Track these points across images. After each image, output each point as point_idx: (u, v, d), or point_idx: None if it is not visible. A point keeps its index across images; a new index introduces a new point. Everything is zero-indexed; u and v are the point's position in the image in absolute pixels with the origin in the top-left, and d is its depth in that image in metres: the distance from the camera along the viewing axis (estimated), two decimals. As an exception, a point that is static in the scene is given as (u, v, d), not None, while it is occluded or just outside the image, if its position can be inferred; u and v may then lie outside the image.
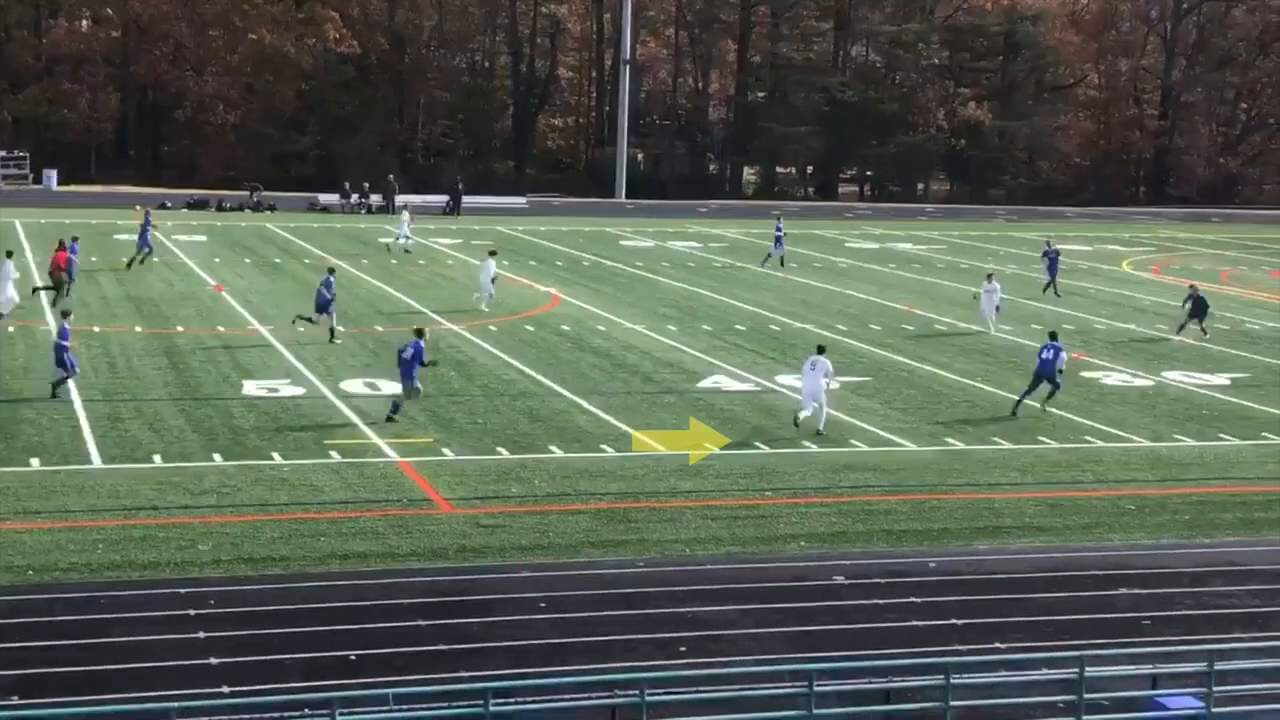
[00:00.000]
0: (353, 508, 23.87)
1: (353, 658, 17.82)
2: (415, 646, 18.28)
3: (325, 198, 78.46)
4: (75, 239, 46.48)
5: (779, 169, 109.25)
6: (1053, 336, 33.54)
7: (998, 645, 18.82)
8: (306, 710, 13.76)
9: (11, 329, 37.96)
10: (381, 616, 19.23)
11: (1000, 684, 15.10)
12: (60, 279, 42.20)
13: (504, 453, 27.49)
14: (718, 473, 26.76)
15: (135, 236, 52.10)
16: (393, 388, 31.97)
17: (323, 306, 38.28)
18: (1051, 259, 51.61)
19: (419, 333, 30.91)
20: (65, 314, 32.42)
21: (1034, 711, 14.97)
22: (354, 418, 29.79)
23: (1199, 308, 42.63)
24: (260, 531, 22.41)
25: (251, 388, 31.84)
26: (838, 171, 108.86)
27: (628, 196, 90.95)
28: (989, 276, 44.40)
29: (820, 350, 31.12)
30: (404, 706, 13.80)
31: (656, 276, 53.45)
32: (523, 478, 25.92)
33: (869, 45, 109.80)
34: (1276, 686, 15.49)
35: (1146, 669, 15.66)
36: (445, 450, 27.48)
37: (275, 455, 26.70)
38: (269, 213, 73.25)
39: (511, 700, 13.89)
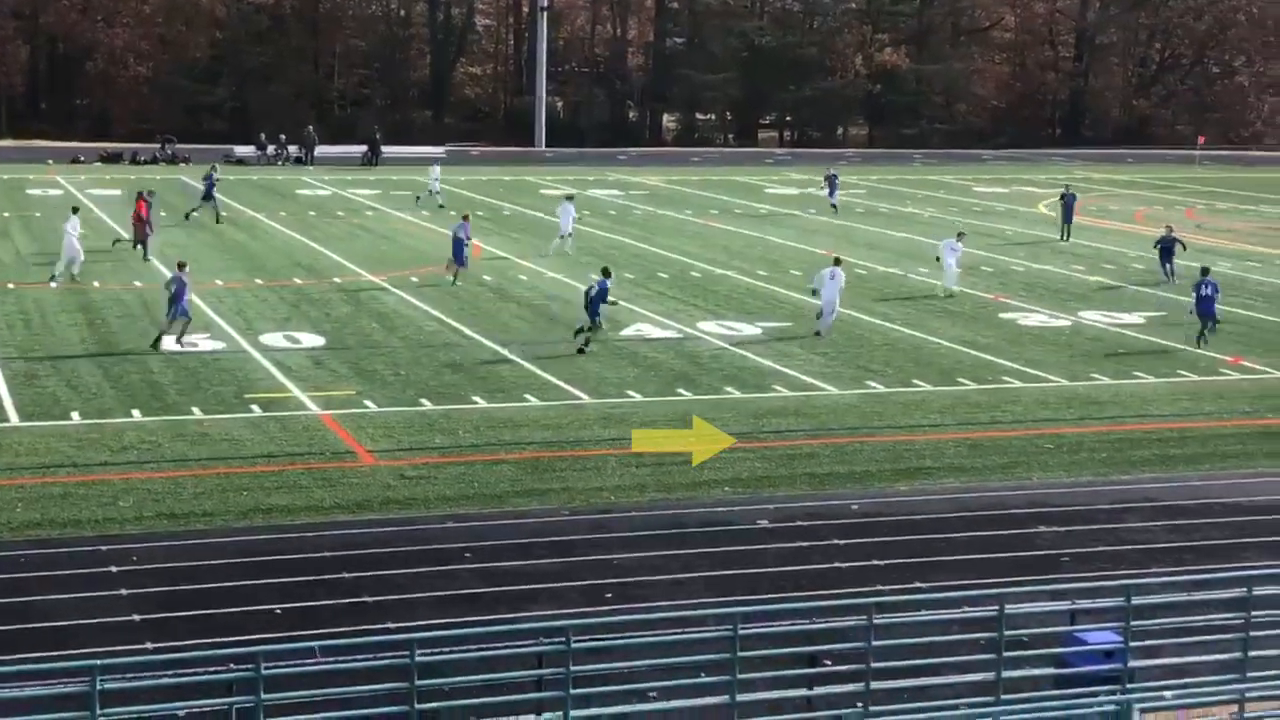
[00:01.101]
0: (275, 461, 23.70)
1: (278, 611, 17.74)
2: (341, 599, 18.22)
3: (241, 150, 77.50)
4: (151, 192, 45.52)
5: (698, 115, 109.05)
6: (1205, 272, 34.85)
7: (919, 585, 19.02)
8: (231, 665, 13.68)
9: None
10: (306, 569, 19.15)
11: (922, 623, 15.25)
12: (142, 230, 42.59)
13: (427, 404, 27.38)
14: (642, 419, 26.79)
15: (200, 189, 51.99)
16: (313, 340, 31.83)
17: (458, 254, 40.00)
18: (1068, 202, 51.60)
19: (605, 272, 33.28)
20: (181, 265, 32.37)
21: (956, 650, 15.15)
22: (274, 371, 29.54)
23: (1167, 253, 42.45)
24: (182, 487, 22.21)
25: (170, 343, 31.48)
26: (757, 117, 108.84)
27: (547, 145, 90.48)
28: (959, 235, 42.57)
29: (837, 262, 35.34)
30: (329, 659, 13.75)
31: (579, 226, 53.21)
32: (446, 429, 25.84)
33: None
34: (1192, 619, 15.75)
35: (1065, 605, 15.87)
36: (368, 402, 27.33)
37: (195, 410, 26.44)
38: (183, 165, 72.25)
39: (437, 650, 13.87)
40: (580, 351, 31.67)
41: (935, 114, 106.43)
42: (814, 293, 35.95)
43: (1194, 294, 34.55)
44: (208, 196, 51.28)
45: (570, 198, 48.69)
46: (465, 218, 42.31)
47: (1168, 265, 42.75)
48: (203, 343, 31.81)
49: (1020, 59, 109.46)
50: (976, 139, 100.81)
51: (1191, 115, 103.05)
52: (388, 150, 78.14)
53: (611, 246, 47.75)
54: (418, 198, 58.65)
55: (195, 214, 51.12)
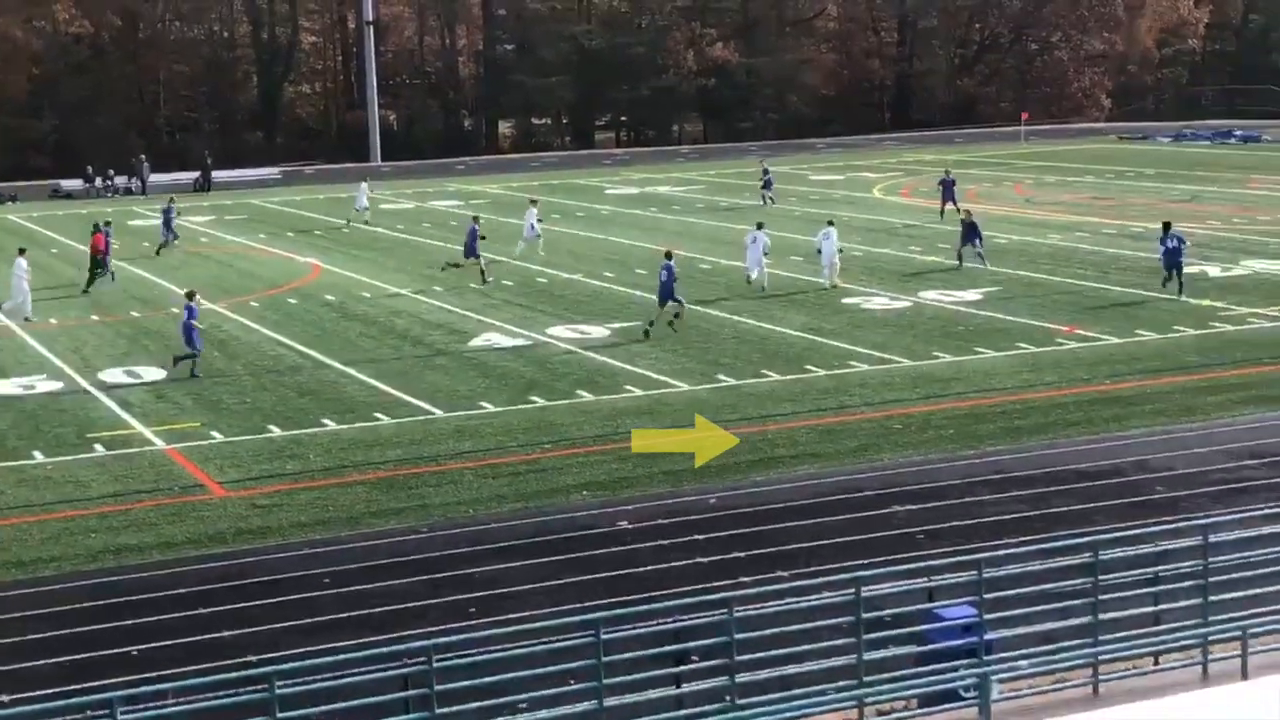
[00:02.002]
0: (122, 500, 23.19)
1: (134, 653, 17.36)
2: (199, 635, 17.87)
3: (68, 183, 75.74)
4: (108, 224, 46.21)
5: (534, 120, 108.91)
6: (1167, 228, 37.29)
7: (780, 574, 19.16)
8: (89, 712, 13.34)
9: None
10: (161, 608, 18.76)
11: (784, 612, 15.37)
12: (102, 261, 43.15)
13: (276, 430, 26.98)
14: (496, 430, 26.69)
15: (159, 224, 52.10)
16: (154, 373, 31.30)
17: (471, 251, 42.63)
18: (947, 185, 52.32)
19: (668, 255, 35.42)
20: (190, 294, 32.82)
21: (819, 635, 15.28)
22: (116, 408, 28.91)
23: (970, 232, 43.14)
24: (27, 534, 21.64)
25: (6, 386, 30.64)
26: (593, 119, 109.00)
27: (383, 159, 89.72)
28: (829, 222, 42.61)
29: (759, 226, 40.60)
30: (187, 699, 13.47)
31: (419, 238, 52.93)
32: (297, 454, 25.49)
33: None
34: (1045, 587, 16.07)
35: (923, 583, 16.09)
36: (214, 433, 26.85)
37: (37, 454, 25.78)
38: (11, 204, 70.39)
39: (300, 681, 13.66)
40: (645, 335, 33.85)
41: (767, 106, 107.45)
42: (818, 252, 40.68)
43: (1160, 247, 37.30)
44: (167, 227, 51.28)
45: (534, 201, 50.87)
46: (476, 220, 44.59)
47: (978, 245, 42.81)
48: (40, 384, 31.03)
49: (846, 47, 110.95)
50: (809, 128, 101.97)
51: (1015, 92, 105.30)
52: (220, 175, 76.92)
53: (454, 257, 47.42)
54: (347, 221, 57.06)
55: (164, 248, 50.56)
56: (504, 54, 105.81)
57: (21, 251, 40.52)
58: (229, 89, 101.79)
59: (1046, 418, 26.66)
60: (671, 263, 34.97)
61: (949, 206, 51.57)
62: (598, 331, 34.90)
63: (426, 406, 28.36)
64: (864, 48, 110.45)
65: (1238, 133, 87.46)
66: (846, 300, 37.87)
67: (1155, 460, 23.99)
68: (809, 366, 30.87)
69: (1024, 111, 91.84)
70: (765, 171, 62.30)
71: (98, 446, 26.18)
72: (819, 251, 40.69)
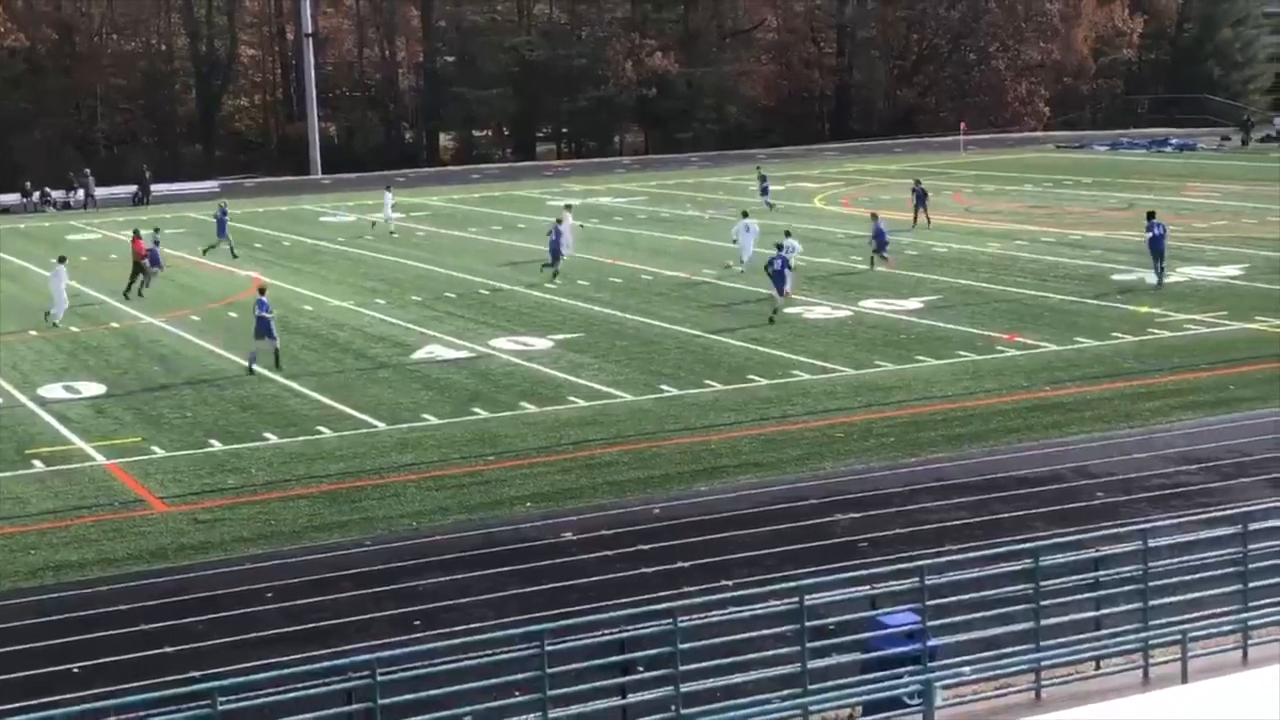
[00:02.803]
0: (62, 516, 22.97)
1: (76, 670, 17.20)
2: (140, 652, 17.73)
3: (5, 198, 74.99)
4: (157, 230, 49.19)
5: (475, 133, 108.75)
6: (1151, 216, 40.30)
7: (725, 583, 19.21)
8: (29, 732, 13.21)
9: None
10: (103, 625, 18.60)
11: (728, 621, 15.41)
12: (142, 265, 44.02)
13: (216, 444, 26.80)
14: (439, 442, 26.62)
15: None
16: (94, 388, 31.12)
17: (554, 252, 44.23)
18: (919, 195, 52.98)
19: (787, 233, 39.90)
20: (262, 290, 33.82)
21: (763, 644, 15.33)
22: (55, 424, 28.64)
23: (879, 238, 43.77)
24: (-36, 552, 21.37)
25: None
26: (534, 130, 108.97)
27: (324, 172, 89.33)
28: (744, 213, 46.12)
29: (744, 214, 44.80)
30: (128, 716, 13.35)
31: (360, 250, 52.73)
32: (239, 468, 25.33)
33: (552, 3, 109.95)
34: (987, 593, 16.17)
35: (865, 590, 16.17)
36: (155, 448, 26.64)
37: (-26, 471, 25.50)
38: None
39: (243, 696, 13.57)
40: (770, 321, 36.04)
41: (707, 117, 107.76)
42: (734, 241, 43.43)
43: (1147, 234, 39.72)
44: (221, 232, 52.42)
45: (569, 207, 52.91)
46: (565, 208, 47.74)
47: (884, 251, 43.89)
48: (-23, 400, 30.71)
49: (785, 58, 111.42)
50: (749, 139, 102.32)
51: (953, 102, 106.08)
52: (158, 188, 76.37)
53: (396, 269, 47.33)
54: (373, 224, 58.04)
55: (212, 249, 51.91)
56: (444, 66, 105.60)
57: (61, 260, 41.34)
58: (167, 102, 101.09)
59: (987, 425, 26.86)
60: (793, 239, 39.76)
61: (921, 216, 52.31)
62: (540, 343, 34.88)
63: (369, 419, 28.25)
64: (803, 58, 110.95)
65: (1173, 141, 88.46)
66: (788, 310, 37.98)
67: (1095, 466, 24.21)
68: (751, 376, 30.97)
69: (962, 121, 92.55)
70: (762, 178, 63.28)
71: (37, 462, 25.92)
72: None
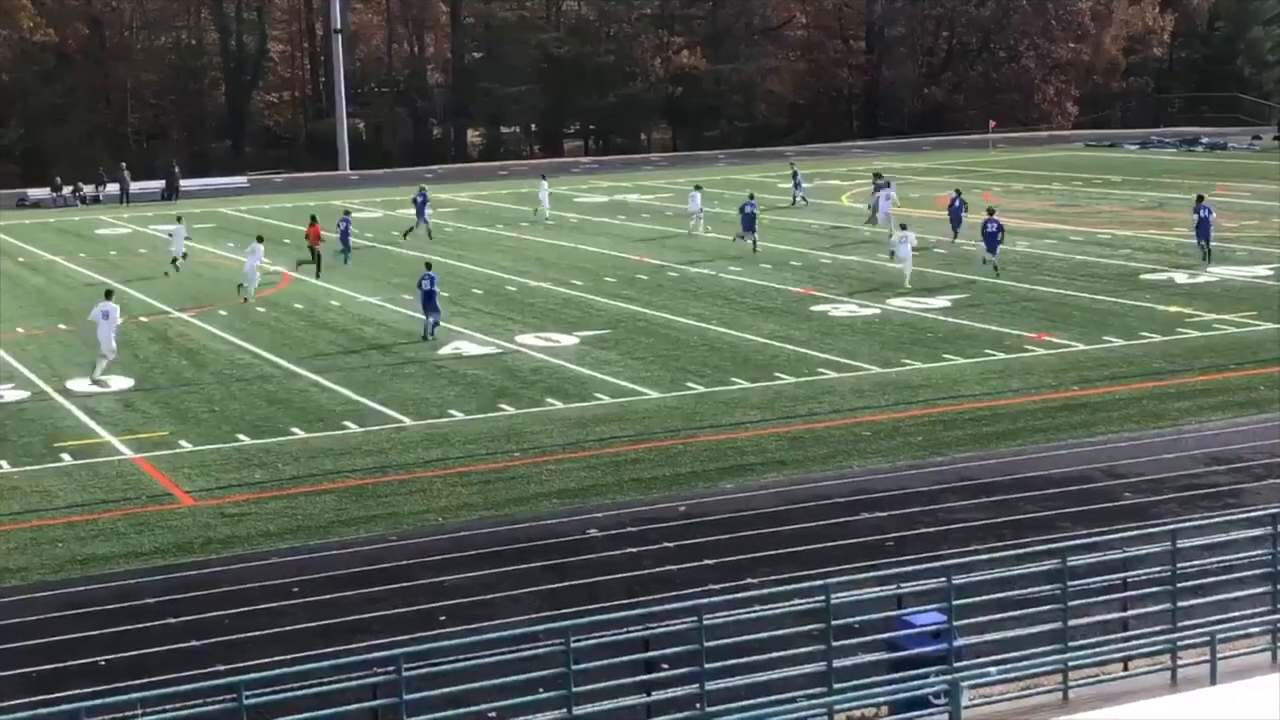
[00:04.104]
0: (90, 510, 23.05)
1: (102, 664, 17.25)
2: (167, 645, 17.78)
3: (35, 192, 75.35)
4: (348, 212, 51.66)
5: (503, 129, 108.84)
6: (1200, 199, 42.85)
7: (750, 581, 19.17)
8: (56, 724, 13.26)
9: None
10: (129, 618, 18.65)
11: (753, 619, 15.37)
12: (316, 251, 45.57)
13: (244, 439, 26.86)
14: (465, 439, 26.64)
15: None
16: (122, 382, 31.26)
17: (747, 225, 47.62)
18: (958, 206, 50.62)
19: (903, 227, 41.82)
20: (429, 265, 36.66)
21: (788, 643, 15.28)
22: (84, 417, 28.75)
23: (990, 240, 42.44)
24: (-7, 545, 21.47)
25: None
26: (561, 127, 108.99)
27: (352, 168, 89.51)
28: (750, 195, 50.64)
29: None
30: (155, 709, 13.38)
31: (387, 246, 52.79)
32: (265, 462, 25.39)
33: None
34: (1014, 593, 16.10)
35: (891, 589, 16.10)
36: (182, 442, 26.73)
37: (3, 463, 25.62)
38: (-24, 212, 69.97)
39: (268, 691, 13.59)
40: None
41: (735, 114, 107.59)
42: (892, 255, 43.00)
43: (1194, 216, 42.28)
44: (421, 217, 54.22)
45: (699, 188, 55.18)
46: (751, 196, 49.76)
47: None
48: (7, 393, 30.85)
49: (814, 55, 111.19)
50: (777, 136, 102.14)
51: (982, 100, 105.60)
52: (187, 183, 76.63)
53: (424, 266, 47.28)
54: (534, 210, 59.14)
55: (411, 231, 53.80)
56: (472, 62, 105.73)
57: (259, 239, 43.59)
58: (197, 97, 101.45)
59: (1015, 424, 26.74)
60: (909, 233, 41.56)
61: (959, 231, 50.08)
62: (567, 340, 34.88)
63: (395, 415, 28.29)
64: (832, 56, 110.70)
65: (1204, 140, 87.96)
66: (815, 308, 37.91)
67: (1123, 466, 24.08)
68: (778, 374, 30.89)
69: (992, 119, 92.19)
70: (795, 173, 63.36)
71: (65, 456, 26.02)
72: (892, 254, 43.63)
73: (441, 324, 35.44)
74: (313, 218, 47.43)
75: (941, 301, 38.34)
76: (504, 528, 21.89)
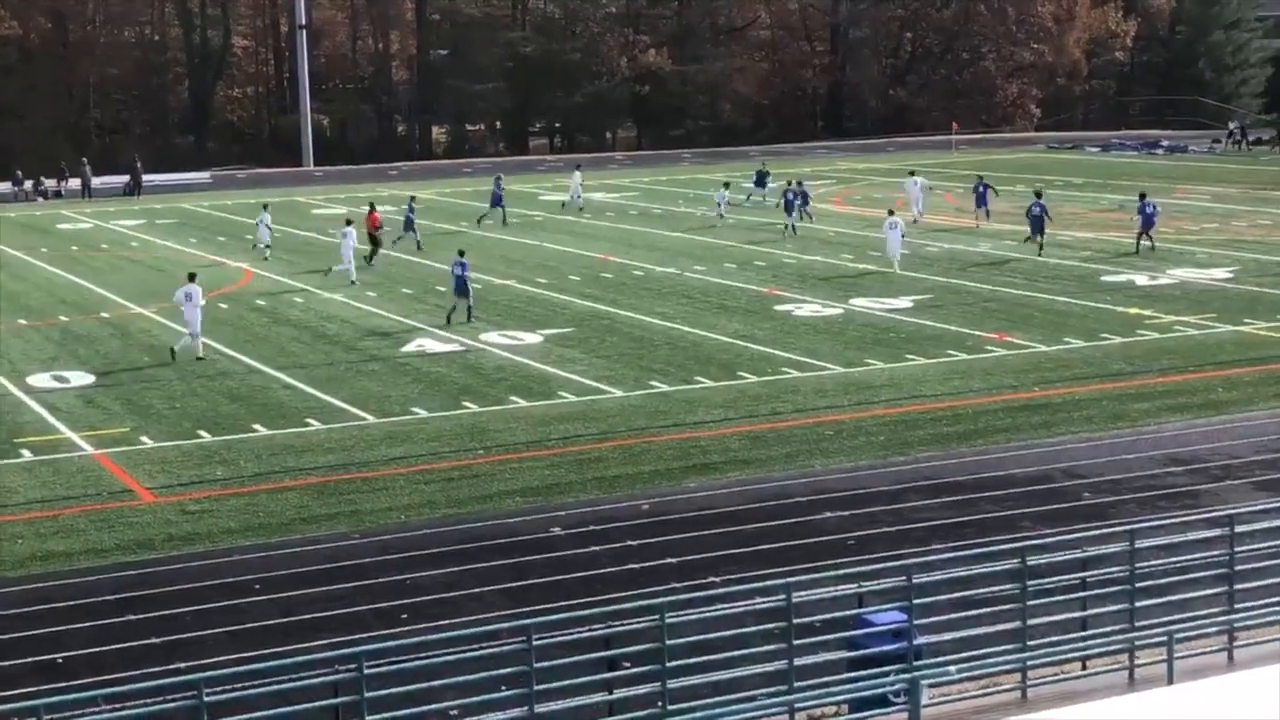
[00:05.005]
0: (50, 506, 22.92)
1: (60, 661, 17.15)
2: (127, 642, 17.70)
3: (-3, 187, 74.83)
4: (413, 197, 52.99)
5: (468, 127, 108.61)
6: (1143, 196, 46.35)
7: (712, 580, 19.20)
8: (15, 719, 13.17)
9: None
10: (89, 615, 18.55)
11: (715, 618, 15.39)
12: (376, 238, 46.79)
13: (205, 435, 26.74)
14: (428, 436, 26.59)
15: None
16: (83, 378, 31.09)
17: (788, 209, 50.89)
18: (981, 191, 53.60)
19: (1038, 193, 46.34)
20: (461, 252, 37.93)
21: (750, 641, 15.32)
22: (44, 413, 28.57)
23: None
24: (-49, 541, 21.32)
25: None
26: (526, 125, 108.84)
27: (316, 164, 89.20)
28: (725, 185, 55.28)
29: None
30: (113, 707, 13.32)
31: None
32: (227, 459, 25.29)
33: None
34: (974, 592, 16.18)
35: (853, 588, 16.16)
36: (143, 438, 26.59)
37: (-38, 460, 25.43)
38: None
39: (228, 688, 13.54)
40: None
41: (700, 113, 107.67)
42: (884, 239, 43.98)
43: (1139, 213, 45.39)
44: (495, 204, 56.35)
45: (727, 185, 57.50)
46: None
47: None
48: (-34, 389, 30.64)
49: (778, 56, 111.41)
50: (742, 136, 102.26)
51: (945, 102, 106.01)
52: (150, 178, 76.20)
53: (388, 262, 47.23)
54: (563, 204, 61.08)
55: (486, 220, 55.99)
56: (438, 59, 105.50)
57: (349, 222, 44.38)
58: (160, 92, 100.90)
59: (976, 424, 26.86)
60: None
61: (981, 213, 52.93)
62: (531, 338, 34.85)
63: (358, 412, 28.21)
64: (796, 57, 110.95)
65: (1165, 143, 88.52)
66: (778, 307, 37.99)
67: (1083, 467, 24.22)
68: (741, 373, 30.95)
69: (955, 121, 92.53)
70: (764, 173, 63.93)
71: (25, 452, 25.85)
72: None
73: (471, 309, 36.71)
74: (371, 205, 49.39)
75: (904, 302, 38.47)
76: (467, 526, 21.86)
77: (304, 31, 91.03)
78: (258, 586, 19.48)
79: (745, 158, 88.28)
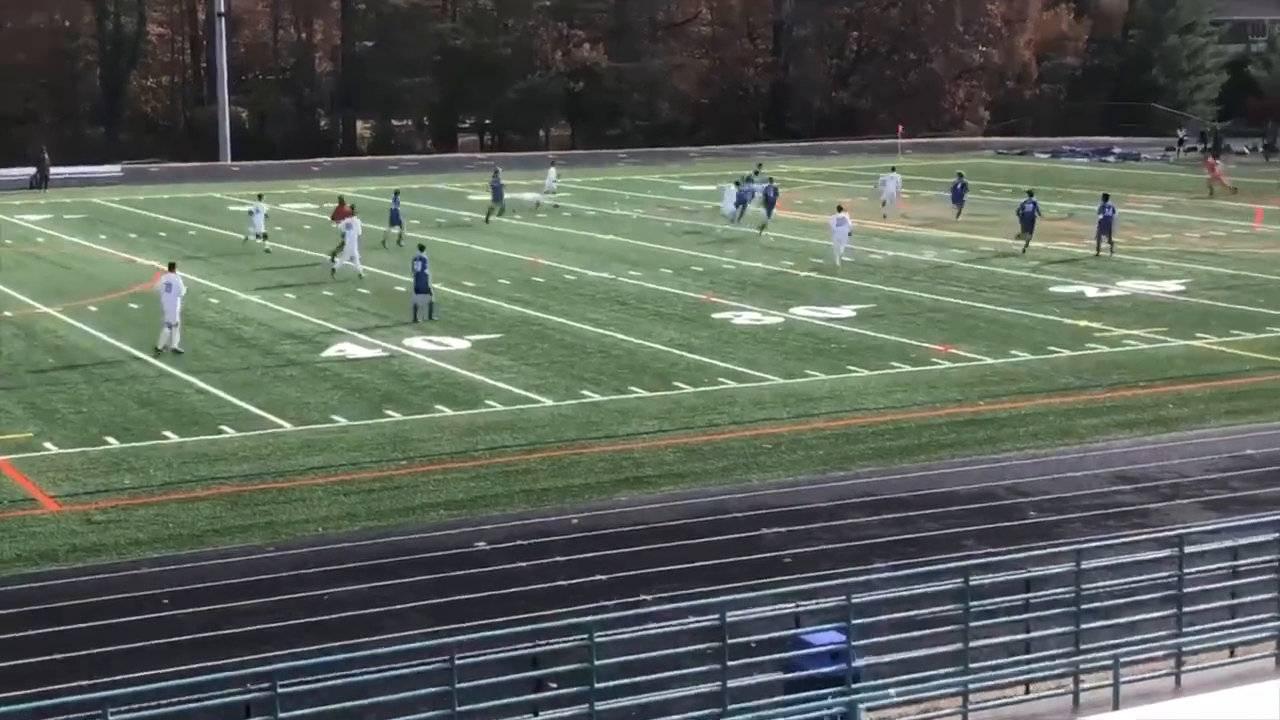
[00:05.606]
0: (-54, 516, 22.64)
1: (-44, 679, 16.96)
2: (28, 658, 17.53)
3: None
4: (397, 192, 53.18)
5: (394, 122, 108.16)
6: (1105, 198, 48.16)
7: (644, 598, 19.24)
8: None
9: None
10: (-13, 631, 18.34)
11: (646, 637, 15.43)
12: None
13: (113, 442, 26.52)
14: (348, 445, 26.50)
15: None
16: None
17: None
18: (959, 188, 57.35)
19: (1030, 192, 48.85)
20: (421, 247, 39.05)
21: (683, 662, 15.36)
22: (-59, 417, 28.22)
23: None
24: None
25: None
26: (456, 122, 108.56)
27: (233, 159, 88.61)
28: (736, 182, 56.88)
29: (840, 208, 47.05)
30: (13, 728, 13.21)
31: (271, 242, 52.24)
32: (136, 467, 25.10)
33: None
34: (915, 613, 16.30)
35: (790, 608, 16.24)
36: (47, 444, 26.34)
37: None
38: None
39: (134, 707, 13.43)
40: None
41: (637, 112, 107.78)
42: (832, 232, 46.08)
43: (1098, 215, 47.09)
44: (498, 198, 57.70)
45: (737, 183, 58.31)
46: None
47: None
48: None
49: (719, 53, 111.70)
50: (680, 136, 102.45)
51: (891, 104, 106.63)
52: (58, 171, 75.41)
53: (308, 261, 47.03)
54: (537, 203, 61.07)
55: (494, 216, 57.02)
56: (363, 50, 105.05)
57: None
58: (69, 81, 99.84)
59: (919, 439, 27.07)
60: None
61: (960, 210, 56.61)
62: (457, 343, 34.79)
63: (275, 419, 28.06)
64: (738, 54, 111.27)
65: (1116, 150, 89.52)
66: (717, 315, 38.13)
67: (1029, 484, 24.47)
68: (677, 383, 31.03)
69: (900, 124, 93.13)
70: (754, 176, 62.48)
71: (-81, 458, 25.56)
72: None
73: (433, 306, 37.45)
74: (341, 199, 49.97)
75: (846, 311, 38.70)
76: (388, 539, 21.80)
77: (223, 19, 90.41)
78: (167, 601, 19.35)
79: (684, 158, 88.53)
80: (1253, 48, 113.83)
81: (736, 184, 57.63)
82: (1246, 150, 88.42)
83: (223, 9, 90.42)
